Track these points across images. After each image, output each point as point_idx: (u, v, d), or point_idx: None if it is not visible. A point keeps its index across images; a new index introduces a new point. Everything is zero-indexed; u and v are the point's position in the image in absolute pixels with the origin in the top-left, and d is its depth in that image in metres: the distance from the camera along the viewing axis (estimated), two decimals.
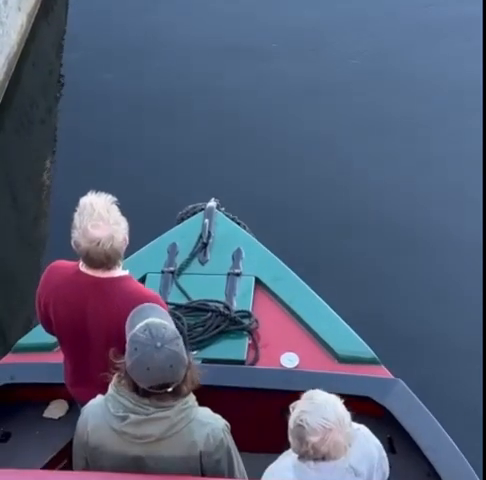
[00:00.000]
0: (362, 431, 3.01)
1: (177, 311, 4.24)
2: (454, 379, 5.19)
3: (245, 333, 4.27)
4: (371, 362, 4.13)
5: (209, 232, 4.74)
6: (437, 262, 5.97)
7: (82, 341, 3.47)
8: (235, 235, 4.86)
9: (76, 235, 3.29)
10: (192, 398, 2.87)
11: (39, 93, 8.04)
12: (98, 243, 3.26)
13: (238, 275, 4.56)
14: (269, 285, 4.57)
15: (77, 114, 7.03)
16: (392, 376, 4.05)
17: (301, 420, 2.78)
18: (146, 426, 2.79)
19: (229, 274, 4.56)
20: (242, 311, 4.34)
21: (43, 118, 7.84)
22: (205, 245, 4.70)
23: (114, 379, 2.84)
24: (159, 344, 2.76)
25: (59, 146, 7.30)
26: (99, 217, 3.26)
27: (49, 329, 3.71)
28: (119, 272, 3.41)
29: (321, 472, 2.83)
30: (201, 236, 4.73)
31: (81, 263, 3.41)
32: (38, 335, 4.40)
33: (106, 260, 3.31)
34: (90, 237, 3.25)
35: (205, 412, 2.92)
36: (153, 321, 2.83)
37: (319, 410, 2.79)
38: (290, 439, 2.86)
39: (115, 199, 3.36)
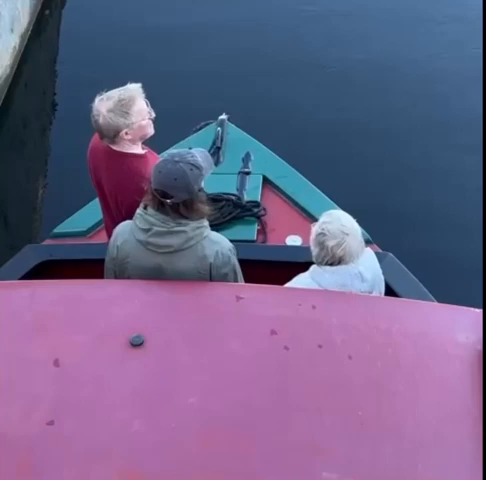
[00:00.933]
0: (369, 249, 3.62)
1: None
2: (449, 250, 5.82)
3: (254, 219, 4.89)
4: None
5: (221, 138, 5.36)
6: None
7: (106, 199, 4.10)
8: (245, 141, 5.47)
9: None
10: (206, 223, 3.45)
11: (32, 114, 7.88)
12: (93, 112, 3.83)
13: (248, 173, 5.18)
14: (275, 181, 5.19)
15: (70, 134, 6.55)
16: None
17: (322, 229, 3.42)
18: (167, 237, 3.35)
19: (240, 173, 5.17)
20: (252, 201, 4.96)
21: (36, 139, 7.67)
22: (218, 149, 5.31)
23: (141, 203, 3.44)
24: (177, 159, 3.34)
25: (51, 167, 7.22)
26: (106, 96, 3.83)
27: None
28: (131, 149, 3.94)
29: (334, 274, 3.44)
30: (214, 141, 5.34)
31: None
32: (74, 223, 5.03)
33: (99, 132, 3.88)
34: (94, 109, 3.84)
35: (216, 234, 3.52)
36: (189, 151, 3.41)
37: (338, 220, 3.44)
38: (312, 249, 3.49)
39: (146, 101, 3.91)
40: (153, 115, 3.93)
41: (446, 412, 2.76)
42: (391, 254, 4.56)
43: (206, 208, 3.45)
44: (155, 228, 3.37)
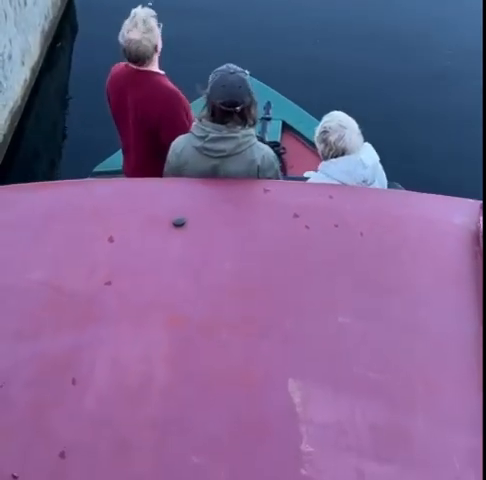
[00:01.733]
0: (368, 144, 4.13)
1: None
2: None
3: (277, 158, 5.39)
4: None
5: None
6: None
7: (127, 126, 4.64)
8: (265, 92, 5.98)
9: (120, 35, 4.47)
10: (253, 131, 3.95)
11: (42, 145, 8.02)
12: (129, 43, 4.41)
13: (268, 119, 5.68)
14: (294, 126, 5.71)
15: (80, 167, 6.43)
16: None
17: (324, 127, 3.95)
18: (220, 143, 3.85)
19: (261, 119, 5.67)
20: (273, 141, 5.45)
21: (45, 171, 7.79)
22: None
23: (196, 119, 3.96)
24: (232, 70, 3.87)
25: None
26: (135, 24, 4.41)
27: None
28: (154, 69, 4.55)
29: (339, 163, 3.98)
30: None
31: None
32: (113, 163, 5.54)
33: (135, 58, 4.47)
34: (125, 38, 4.44)
35: (262, 143, 4.05)
36: (230, 64, 3.91)
37: (337, 117, 3.99)
38: (318, 147, 4.03)
39: (155, 13, 4.50)
40: None
41: (444, 276, 3.25)
42: (399, 185, 5.04)
43: (257, 113, 3.97)
44: (210, 135, 3.86)
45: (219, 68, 3.94)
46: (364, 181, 4.00)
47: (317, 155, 5.52)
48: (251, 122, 3.91)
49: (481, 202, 3.50)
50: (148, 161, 4.50)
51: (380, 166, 4.21)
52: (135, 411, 2.74)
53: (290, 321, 3.01)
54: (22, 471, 2.58)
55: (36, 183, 4.08)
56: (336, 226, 3.39)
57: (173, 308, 3.09)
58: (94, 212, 3.49)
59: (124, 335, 2.99)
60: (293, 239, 3.35)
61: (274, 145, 5.45)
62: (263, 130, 5.59)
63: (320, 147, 4.04)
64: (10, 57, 7.41)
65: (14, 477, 2.57)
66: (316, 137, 4.04)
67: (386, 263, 3.28)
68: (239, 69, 3.91)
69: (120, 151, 5.53)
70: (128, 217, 3.46)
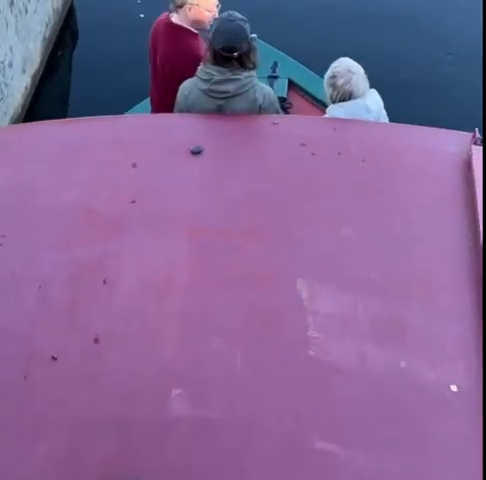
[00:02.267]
0: (373, 90, 4.41)
1: None
2: None
3: (282, 111, 5.72)
4: None
5: None
6: None
7: (156, 68, 4.95)
8: (273, 53, 6.31)
9: None
10: (255, 73, 4.26)
11: None
12: None
13: (275, 77, 6.00)
14: (299, 83, 6.04)
15: None
16: None
17: (333, 72, 4.26)
18: (225, 84, 4.18)
19: (269, 77, 5.98)
20: (280, 96, 5.77)
21: None
22: None
23: (201, 62, 4.28)
24: (232, 18, 4.18)
25: None
26: None
27: None
28: (187, 25, 4.77)
29: (345, 107, 4.27)
30: None
31: None
32: (142, 108, 5.83)
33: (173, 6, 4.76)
34: None
35: (263, 83, 4.37)
36: (232, 12, 4.23)
37: (344, 62, 4.29)
38: (326, 91, 4.33)
39: None
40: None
41: (438, 196, 3.57)
42: None
43: (257, 59, 4.28)
44: (215, 77, 4.19)
45: (221, 15, 4.29)
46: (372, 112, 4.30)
47: (322, 110, 5.89)
48: (251, 66, 4.23)
49: (472, 134, 3.81)
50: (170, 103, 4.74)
51: (384, 111, 4.51)
52: (160, 305, 3.07)
53: (298, 231, 3.34)
54: (60, 353, 2.92)
55: (64, 119, 4.39)
56: (339, 153, 3.71)
57: (192, 220, 3.42)
58: (118, 143, 3.81)
59: (148, 244, 3.32)
60: (300, 164, 3.67)
61: (281, 100, 5.79)
62: (270, 86, 5.91)
63: (328, 91, 4.33)
64: (11, 65, 7.39)
65: (53, 358, 2.90)
66: (325, 82, 4.33)
67: (385, 185, 3.60)
68: (239, 17, 4.21)
69: (147, 99, 5.80)
70: (149, 147, 3.79)
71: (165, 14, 4.89)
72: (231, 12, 4.25)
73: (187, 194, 3.53)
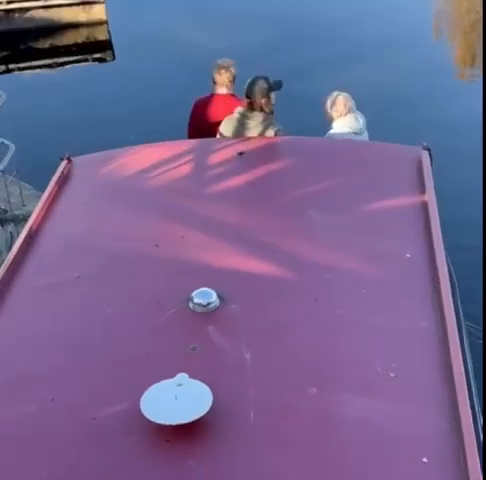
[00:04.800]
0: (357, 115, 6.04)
1: None
2: None
3: None
4: None
5: None
6: None
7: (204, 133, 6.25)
8: None
9: None
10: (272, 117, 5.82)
11: None
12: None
13: None
14: None
15: None
16: None
17: (328, 101, 5.97)
18: (252, 119, 5.81)
19: None
20: None
21: None
22: None
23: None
24: (255, 77, 5.81)
25: None
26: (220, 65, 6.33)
27: None
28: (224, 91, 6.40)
29: (342, 121, 5.89)
30: None
31: None
32: None
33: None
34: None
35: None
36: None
37: (335, 93, 6.01)
38: (328, 113, 5.97)
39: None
40: None
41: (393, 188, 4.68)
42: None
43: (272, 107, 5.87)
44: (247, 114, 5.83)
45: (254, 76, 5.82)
46: (357, 132, 5.90)
47: None
48: (267, 111, 5.81)
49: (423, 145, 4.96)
50: None
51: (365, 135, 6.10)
52: None
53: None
54: None
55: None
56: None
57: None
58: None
59: None
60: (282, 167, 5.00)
61: None
62: None
63: (329, 113, 5.97)
64: None
65: None
66: (325, 108, 5.99)
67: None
68: (261, 76, 5.76)
69: None
70: None
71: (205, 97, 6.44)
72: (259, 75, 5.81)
73: None
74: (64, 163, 5.03)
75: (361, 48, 11.97)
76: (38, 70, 13.90)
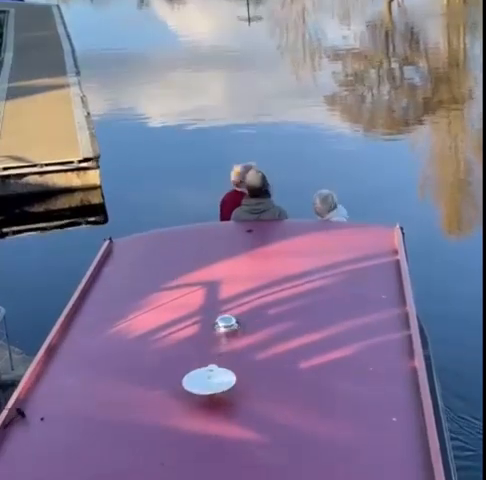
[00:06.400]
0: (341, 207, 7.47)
1: None
2: None
3: None
4: None
5: None
6: None
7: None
8: None
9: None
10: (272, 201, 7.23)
11: None
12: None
13: None
14: None
15: None
16: None
17: (314, 201, 7.36)
18: (257, 206, 7.15)
19: None
20: None
21: None
22: None
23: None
24: (254, 171, 7.30)
25: None
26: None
27: None
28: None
29: (334, 213, 7.33)
30: None
31: None
32: None
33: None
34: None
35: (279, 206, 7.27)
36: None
37: (319, 194, 7.42)
38: (318, 206, 7.36)
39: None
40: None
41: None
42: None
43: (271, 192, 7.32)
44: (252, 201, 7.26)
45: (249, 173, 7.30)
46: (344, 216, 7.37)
47: None
48: (267, 196, 7.22)
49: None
50: None
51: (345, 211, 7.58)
52: None
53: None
54: None
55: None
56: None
57: None
58: None
59: None
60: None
61: None
62: None
63: (320, 210, 7.38)
64: None
65: None
66: (315, 207, 7.39)
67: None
68: (259, 170, 7.22)
69: None
70: None
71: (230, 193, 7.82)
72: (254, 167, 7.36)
73: None
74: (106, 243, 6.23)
75: None
76: (32, 233, 14.08)
